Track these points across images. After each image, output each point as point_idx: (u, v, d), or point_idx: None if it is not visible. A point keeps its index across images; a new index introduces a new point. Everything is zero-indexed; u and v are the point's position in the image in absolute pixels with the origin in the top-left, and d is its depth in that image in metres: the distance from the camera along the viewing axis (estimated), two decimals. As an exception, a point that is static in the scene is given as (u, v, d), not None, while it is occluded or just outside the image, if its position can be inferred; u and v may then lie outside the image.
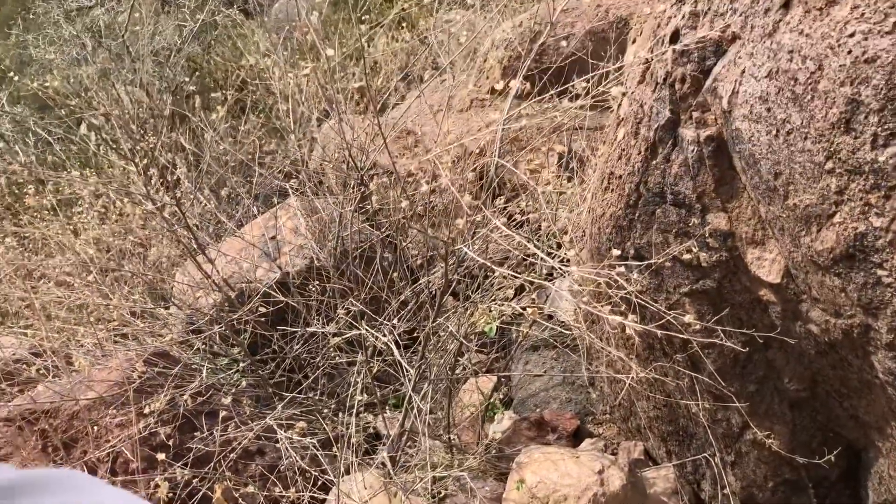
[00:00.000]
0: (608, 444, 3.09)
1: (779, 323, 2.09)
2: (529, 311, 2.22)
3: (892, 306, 1.67)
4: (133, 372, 2.97)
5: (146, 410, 2.84)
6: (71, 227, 4.79)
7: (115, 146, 4.70)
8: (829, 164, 1.66)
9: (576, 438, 3.17)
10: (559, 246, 3.18)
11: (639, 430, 2.98)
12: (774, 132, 1.76)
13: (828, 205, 1.70)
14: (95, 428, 2.89)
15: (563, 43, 2.89)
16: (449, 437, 3.01)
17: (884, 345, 1.74)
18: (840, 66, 1.59)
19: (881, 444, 2.10)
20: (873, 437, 2.12)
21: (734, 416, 2.41)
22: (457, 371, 3.15)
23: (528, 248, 2.16)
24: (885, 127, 1.54)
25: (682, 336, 2.10)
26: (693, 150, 2.05)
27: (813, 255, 1.79)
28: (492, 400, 3.34)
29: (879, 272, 1.66)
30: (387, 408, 3.40)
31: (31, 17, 9.10)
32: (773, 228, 1.95)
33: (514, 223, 3.19)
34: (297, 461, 2.71)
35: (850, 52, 1.57)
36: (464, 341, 2.73)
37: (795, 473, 2.41)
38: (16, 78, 5.52)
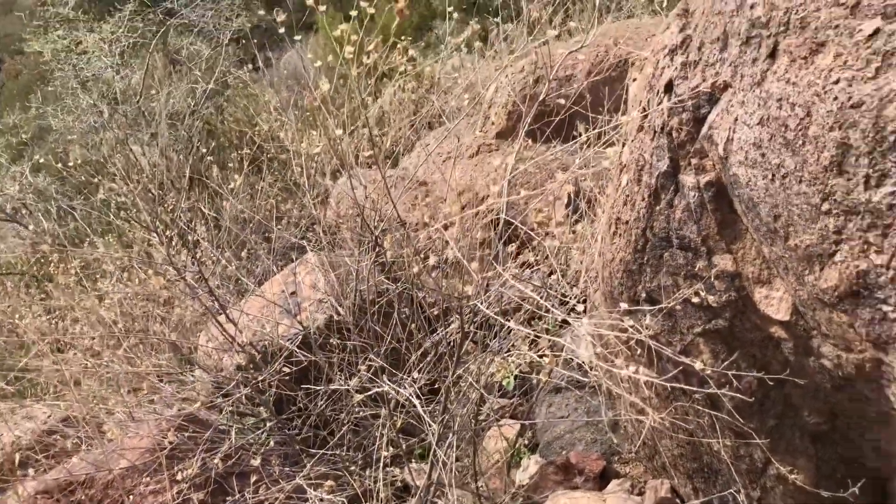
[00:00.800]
0: (635, 484, 3.09)
1: (792, 359, 2.11)
2: (546, 360, 2.26)
3: (899, 341, 1.70)
4: (164, 438, 3.03)
5: (179, 476, 2.89)
6: (96, 293, 4.86)
7: (134, 212, 4.83)
8: (826, 206, 1.70)
9: (603, 479, 3.18)
10: (573, 287, 3.22)
11: (664, 468, 2.99)
12: (770, 176, 1.81)
13: (828, 244, 1.74)
14: (130, 497, 2.94)
15: (562, 101, 2.96)
16: (476, 486, 3.03)
17: None
18: (828, 111, 1.64)
19: (905, 474, 2.10)
20: (896, 467, 2.12)
21: (756, 451, 2.42)
22: (480, 419, 3.18)
23: (539, 301, 2.21)
24: (876, 168, 1.59)
25: (696, 377, 2.13)
26: (694, 196, 2.10)
27: (818, 294, 1.83)
28: (517, 446, 3.36)
29: (885, 308, 1.69)
30: (413, 459, 3.43)
31: (49, 88, 9.31)
32: (777, 268, 1.99)
33: (526, 268, 3.23)
34: (327, 519, 2.74)
35: (836, 98, 1.62)
36: (484, 392, 2.77)
37: (823, 506, 2.40)
38: (39, 159, 5.68)
